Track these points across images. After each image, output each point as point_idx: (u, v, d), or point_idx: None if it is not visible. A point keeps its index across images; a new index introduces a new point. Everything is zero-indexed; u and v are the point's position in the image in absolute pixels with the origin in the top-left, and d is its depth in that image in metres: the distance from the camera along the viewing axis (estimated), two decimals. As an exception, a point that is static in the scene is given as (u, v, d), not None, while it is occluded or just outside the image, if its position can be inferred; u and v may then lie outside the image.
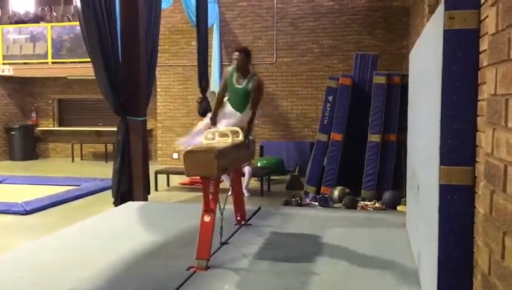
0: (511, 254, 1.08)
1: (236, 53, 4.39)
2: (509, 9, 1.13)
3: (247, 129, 4.38)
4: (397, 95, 6.87)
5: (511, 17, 1.12)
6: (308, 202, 6.82)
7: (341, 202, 6.56)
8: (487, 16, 1.59)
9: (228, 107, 4.53)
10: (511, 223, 1.09)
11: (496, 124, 1.22)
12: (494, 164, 1.22)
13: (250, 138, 4.58)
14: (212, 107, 4.94)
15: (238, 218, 4.85)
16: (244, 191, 7.36)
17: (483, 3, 2.00)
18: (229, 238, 4.33)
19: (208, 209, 3.73)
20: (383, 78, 7.01)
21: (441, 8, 2.52)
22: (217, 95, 4.73)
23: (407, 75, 4.99)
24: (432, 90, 2.69)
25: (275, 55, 10.53)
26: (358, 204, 6.48)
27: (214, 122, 4.51)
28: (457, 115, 2.26)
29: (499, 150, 1.19)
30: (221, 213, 3.99)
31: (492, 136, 1.24)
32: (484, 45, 1.88)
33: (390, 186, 6.82)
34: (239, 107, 4.47)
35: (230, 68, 4.50)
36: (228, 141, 4.10)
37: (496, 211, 1.21)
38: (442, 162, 2.41)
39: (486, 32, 1.57)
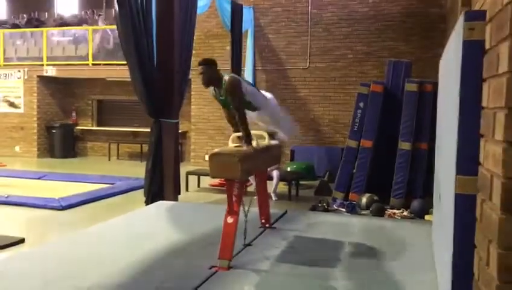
0: (494, 261, 1.12)
1: (199, 67, 3.95)
2: (500, 27, 1.17)
3: (245, 134, 3.97)
4: (429, 102, 6.79)
5: (501, 34, 1.16)
6: (336, 208, 6.82)
7: (368, 209, 6.53)
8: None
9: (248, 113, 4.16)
10: (495, 231, 1.13)
11: (486, 136, 1.25)
12: (484, 174, 1.25)
13: (275, 142, 4.63)
14: None
15: (263, 221, 4.91)
16: (272, 194, 7.45)
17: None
18: (252, 240, 4.40)
19: (231, 211, 3.82)
20: (414, 85, 6.95)
21: (461, 19, 2.53)
22: (227, 120, 4.42)
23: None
24: (453, 100, 2.70)
25: (308, 60, 10.56)
26: (386, 212, 6.44)
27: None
28: (474, 125, 2.27)
29: (487, 161, 1.23)
30: (245, 215, 4.07)
31: (484, 148, 1.28)
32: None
33: (420, 195, 6.74)
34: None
35: (210, 89, 4.17)
36: (253, 144, 4.16)
37: (484, 220, 1.24)
38: (459, 171, 2.42)
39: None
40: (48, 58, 12.80)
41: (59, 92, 13.58)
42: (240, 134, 4.15)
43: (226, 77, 3.96)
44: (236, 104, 3.95)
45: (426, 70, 9.08)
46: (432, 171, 6.54)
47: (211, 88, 4.09)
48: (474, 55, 2.39)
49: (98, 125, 13.85)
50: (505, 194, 1.11)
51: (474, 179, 2.32)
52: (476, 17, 2.40)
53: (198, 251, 4.14)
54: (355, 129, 7.34)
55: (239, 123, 3.97)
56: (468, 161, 2.37)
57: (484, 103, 1.33)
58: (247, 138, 3.98)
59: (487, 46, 1.34)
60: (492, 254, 1.15)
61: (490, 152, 1.22)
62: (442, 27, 9.49)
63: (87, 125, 13.78)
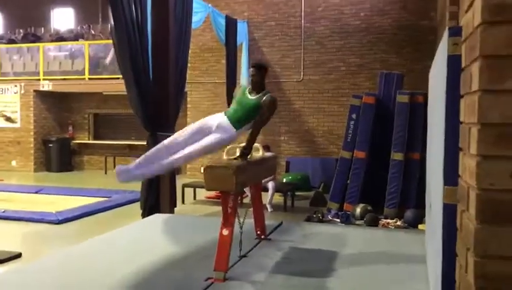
0: (471, 269, 1.20)
1: (252, 69, 4.02)
2: (472, 48, 1.26)
3: (248, 148, 3.97)
4: (420, 113, 6.91)
5: (473, 54, 1.25)
6: (330, 218, 6.88)
7: (363, 219, 6.60)
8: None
9: (224, 120, 4.05)
10: (471, 240, 1.20)
11: (464, 150, 1.33)
12: (463, 186, 1.33)
13: (270, 153, 4.70)
14: None
15: (258, 232, 4.96)
16: (268, 206, 7.51)
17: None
18: (248, 252, 4.44)
19: (226, 223, 3.87)
20: (406, 97, 7.06)
21: (446, 34, 2.63)
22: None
23: (428, 95, 5.05)
24: (439, 112, 2.78)
25: (302, 72, 10.69)
26: (380, 222, 6.50)
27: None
28: (457, 137, 2.35)
29: (465, 173, 1.31)
30: (241, 227, 4.13)
31: (462, 161, 1.36)
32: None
33: (413, 204, 6.82)
34: (237, 121, 4.00)
35: (243, 86, 4.22)
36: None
37: (463, 229, 1.32)
38: (446, 182, 2.50)
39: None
40: (45, 73, 12.90)
41: (55, 106, 13.64)
42: (236, 146, 4.23)
43: (272, 94, 4.03)
44: (263, 117, 3.96)
45: (417, 82, 9.20)
46: (424, 181, 6.64)
47: (242, 87, 4.13)
48: (458, 69, 2.48)
49: (95, 139, 13.90)
50: (480, 205, 1.19)
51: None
52: (459, 32, 2.50)
53: (195, 263, 4.18)
54: (349, 140, 7.43)
55: (250, 137, 3.96)
56: (454, 172, 2.45)
57: (461, 118, 1.41)
58: (246, 152, 3.99)
59: (463, 64, 1.43)
60: (469, 261, 1.22)
61: (467, 165, 1.30)
62: (432, 39, 9.64)
63: (83, 139, 13.83)
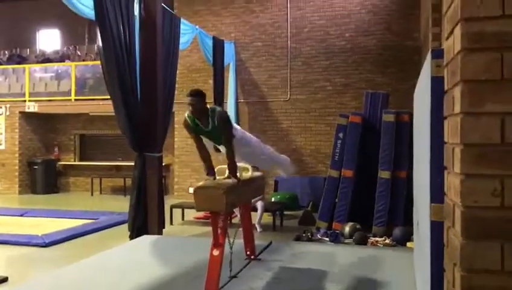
0: (458, 283, 1.24)
1: (189, 98, 3.98)
2: (454, 72, 1.33)
3: (233, 166, 4.06)
4: (406, 132, 7.01)
5: (454, 78, 1.32)
6: (319, 237, 6.90)
7: (351, 238, 6.63)
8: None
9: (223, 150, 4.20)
10: (457, 255, 1.25)
11: (448, 169, 1.39)
12: (448, 203, 1.38)
13: (258, 173, 4.74)
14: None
15: (248, 252, 4.97)
16: (257, 226, 7.51)
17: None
18: (238, 272, 4.44)
19: (216, 244, 3.88)
20: (392, 116, 7.18)
21: (429, 56, 2.72)
22: (199, 152, 4.23)
23: (413, 114, 5.14)
24: (425, 130, 2.86)
25: (288, 92, 10.82)
26: (369, 240, 6.54)
27: (213, 175, 4.13)
28: (442, 157, 2.41)
29: (450, 191, 1.37)
30: (231, 247, 4.14)
31: (447, 179, 1.41)
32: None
33: (401, 222, 6.88)
34: (221, 143, 4.18)
35: (186, 115, 4.11)
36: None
37: (450, 245, 1.37)
38: (433, 199, 2.56)
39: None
40: (30, 94, 12.84)
41: (41, 127, 13.56)
42: (224, 166, 4.24)
43: (218, 109, 4.11)
44: (228, 134, 4.05)
45: (403, 101, 9.35)
46: (411, 199, 6.71)
47: (188, 118, 4.09)
48: (441, 90, 2.56)
49: (81, 160, 13.81)
50: (465, 222, 1.24)
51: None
52: (442, 54, 2.59)
53: (184, 285, 4.17)
54: (336, 159, 7.51)
55: (228, 154, 4.03)
56: (440, 190, 2.51)
57: (445, 138, 1.48)
58: (235, 170, 4.06)
59: (445, 87, 1.50)
60: (456, 276, 1.27)
61: (451, 183, 1.36)
62: (416, 59, 9.85)
63: (69, 160, 13.73)
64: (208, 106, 4.09)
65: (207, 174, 4.15)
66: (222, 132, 4.03)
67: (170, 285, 4.17)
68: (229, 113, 4.34)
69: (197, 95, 3.99)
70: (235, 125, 4.47)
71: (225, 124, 4.03)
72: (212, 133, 4.10)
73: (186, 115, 4.09)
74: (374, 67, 10.29)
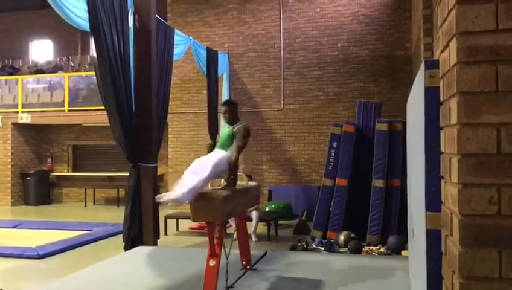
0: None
1: (224, 107, 4.63)
2: (449, 85, 1.36)
3: (234, 175, 4.32)
4: (399, 141, 7.07)
5: (450, 90, 1.36)
6: (314, 246, 6.91)
7: (346, 247, 6.65)
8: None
9: (216, 150, 4.52)
10: (456, 263, 1.28)
11: (445, 178, 1.42)
12: (446, 212, 1.42)
13: (254, 183, 4.76)
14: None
15: (244, 262, 4.97)
16: (252, 235, 7.50)
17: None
18: (234, 283, 4.44)
19: (213, 254, 3.89)
20: (384, 125, 7.24)
21: (422, 66, 2.77)
22: None
23: (406, 123, 5.19)
24: (419, 140, 2.90)
25: (282, 102, 10.88)
26: (364, 249, 6.56)
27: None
28: (439, 165, 2.45)
29: (447, 200, 1.40)
30: (227, 257, 4.14)
31: (444, 188, 1.45)
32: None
33: (395, 231, 6.91)
34: (221, 147, 4.45)
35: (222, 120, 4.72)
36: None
37: (448, 253, 1.39)
38: (428, 208, 2.59)
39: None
40: (23, 106, 12.79)
41: (34, 138, 13.50)
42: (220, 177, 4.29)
43: (244, 124, 4.60)
44: (238, 145, 4.35)
45: (395, 110, 9.47)
46: (405, 207, 6.76)
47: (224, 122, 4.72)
48: (435, 100, 2.60)
49: (74, 170, 13.75)
50: (462, 230, 1.28)
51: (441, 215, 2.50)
52: (435, 65, 2.64)
53: (181, 295, 4.16)
54: (330, 168, 7.54)
55: (233, 164, 4.25)
56: (435, 198, 2.55)
57: (442, 148, 1.51)
58: (233, 178, 4.29)
59: (441, 98, 1.54)
60: (455, 283, 1.30)
61: (449, 192, 1.39)
62: (408, 69, 9.97)
63: (62, 171, 13.66)
64: (240, 121, 4.62)
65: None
66: (236, 138, 4.39)
67: (167, 296, 4.16)
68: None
69: (230, 105, 4.66)
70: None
71: (242, 133, 4.41)
72: (223, 135, 4.56)
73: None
74: (366, 76, 10.38)
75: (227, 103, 4.71)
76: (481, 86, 1.26)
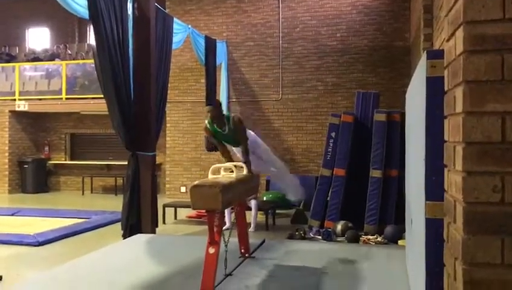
0: (460, 276, 1.29)
1: (208, 107, 5.07)
2: (455, 74, 1.38)
3: (246, 162, 4.87)
4: (397, 131, 7.09)
5: (455, 79, 1.37)
6: (312, 235, 6.96)
7: (344, 236, 6.70)
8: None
9: (237, 149, 5.28)
10: (459, 250, 1.30)
11: (449, 166, 1.44)
12: (449, 200, 1.44)
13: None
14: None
15: (243, 250, 5.00)
16: (252, 224, 7.55)
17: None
18: (233, 270, 4.47)
19: (212, 242, 3.91)
20: (383, 115, 7.26)
21: (424, 56, 2.78)
22: (222, 153, 5.17)
23: (406, 113, 5.21)
24: (419, 130, 2.92)
25: (280, 92, 10.87)
26: (361, 238, 6.61)
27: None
28: (439, 154, 2.47)
29: (451, 188, 1.42)
30: (226, 245, 4.17)
31: (447, 176, 1.47)
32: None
33: (393, 220, 6.96)
34: (235, 144, 5.16)
35: (206, 122, 4.97)
36: (232, 175, 4.32)
37: (450, 240, 1.42)
38: (428, 197, 2.61)
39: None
40: (20, 93, 12.74)
41: (31, 126, 13.47)
42: (219, 165, 4.36)
43: (232, 114, 5.04)
44: (243, 134, 4.92)
45: (394, 100, 9.48)
46: (402, 197, 6.80)
47: (207, 124, 4.92)
48: (437, 90, 2.62)
49: (71, 159, 13.73)
50: (466, 217, 1.30)
51: (441, 204, 2.52)
52: (437, 55, 2.65)
53: (181, 283, 4.19)
54: (328, 158, 7.56)
55: (244, 152, 4.89)
56: (435, 188, 2.57)
57: (446, 137, 1.53)
58: (250, 163, 4.85)
59: (446, 87, 1.55)
60: (458, 270, 1.32)
61: (453, 180, 1.41)
62: (407, 59, 9.97)
63: (60, 159, 13.65)
64: (224, 114, 4.97)
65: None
66: (238, 133, 4.86)
67: (166, 283, 4.19)
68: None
69: (214, 105, 4.97)
70: (248, 131, 5.37)
71: (240, 126, 4.89)
72: (228, 136, 4.91)
73: (206, 121, 4.94)
74: (365, 67, 10.38)
75: (212, 108, 4.89)
76: (487, 74, 1.27)
